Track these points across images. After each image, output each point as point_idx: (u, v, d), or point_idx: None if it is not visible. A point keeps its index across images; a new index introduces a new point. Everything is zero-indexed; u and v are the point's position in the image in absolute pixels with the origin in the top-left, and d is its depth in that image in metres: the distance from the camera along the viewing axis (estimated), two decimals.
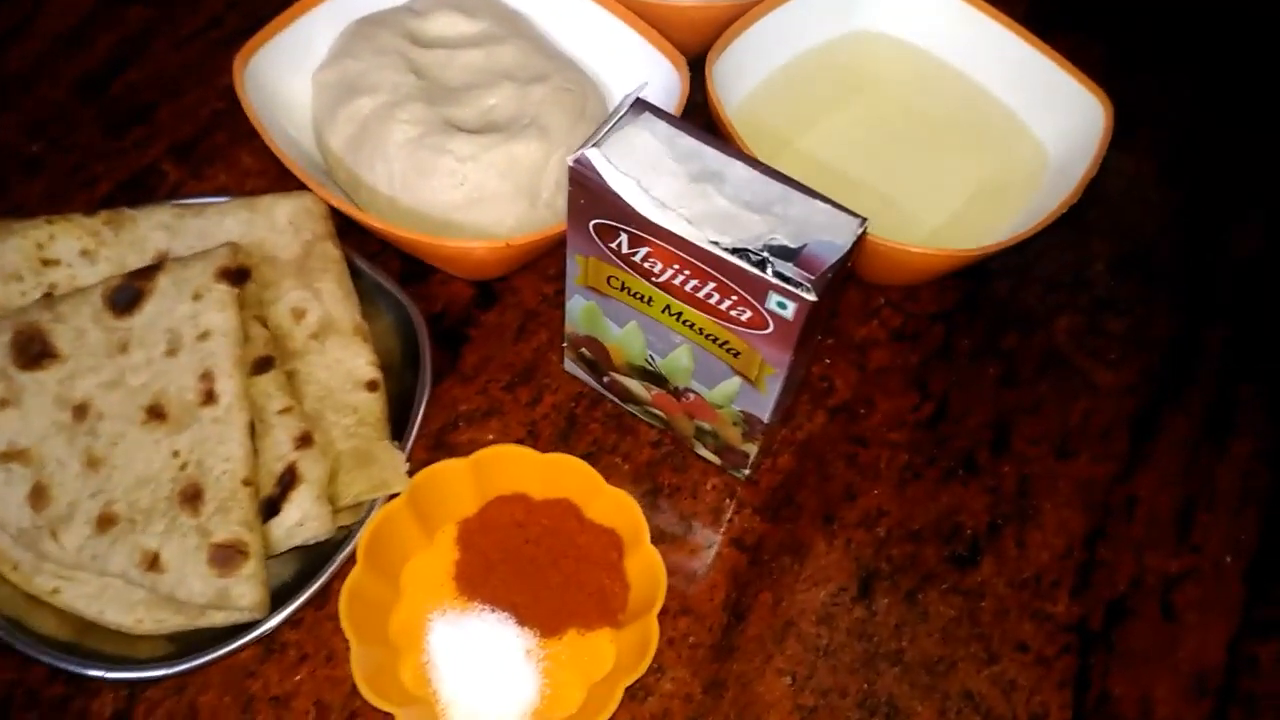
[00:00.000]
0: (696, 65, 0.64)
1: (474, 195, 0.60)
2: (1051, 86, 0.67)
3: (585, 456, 0.59)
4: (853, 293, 0.67)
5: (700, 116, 0.63)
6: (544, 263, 0.66)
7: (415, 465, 0.56)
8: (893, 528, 0.59)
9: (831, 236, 0.46)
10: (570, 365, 0.61)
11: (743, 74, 0.68)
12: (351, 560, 0.52)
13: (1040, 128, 0.69)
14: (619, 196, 0.47)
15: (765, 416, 0.53)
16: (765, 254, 0.46)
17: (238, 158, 0.68)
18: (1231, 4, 0.81)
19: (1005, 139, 0.70)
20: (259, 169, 0.68)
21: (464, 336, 0.63)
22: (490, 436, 0.60)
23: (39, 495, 0.51)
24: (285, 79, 0.64)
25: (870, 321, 0.66)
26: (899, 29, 0.72)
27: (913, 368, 0.65)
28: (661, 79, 0.65)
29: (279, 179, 0.61)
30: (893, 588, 0.57)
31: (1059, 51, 0.68)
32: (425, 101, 0.61)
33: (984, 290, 0.68)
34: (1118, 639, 0.57)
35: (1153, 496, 0.61)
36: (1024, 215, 0.66)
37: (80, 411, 0.53)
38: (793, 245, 0.46)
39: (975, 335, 0.66)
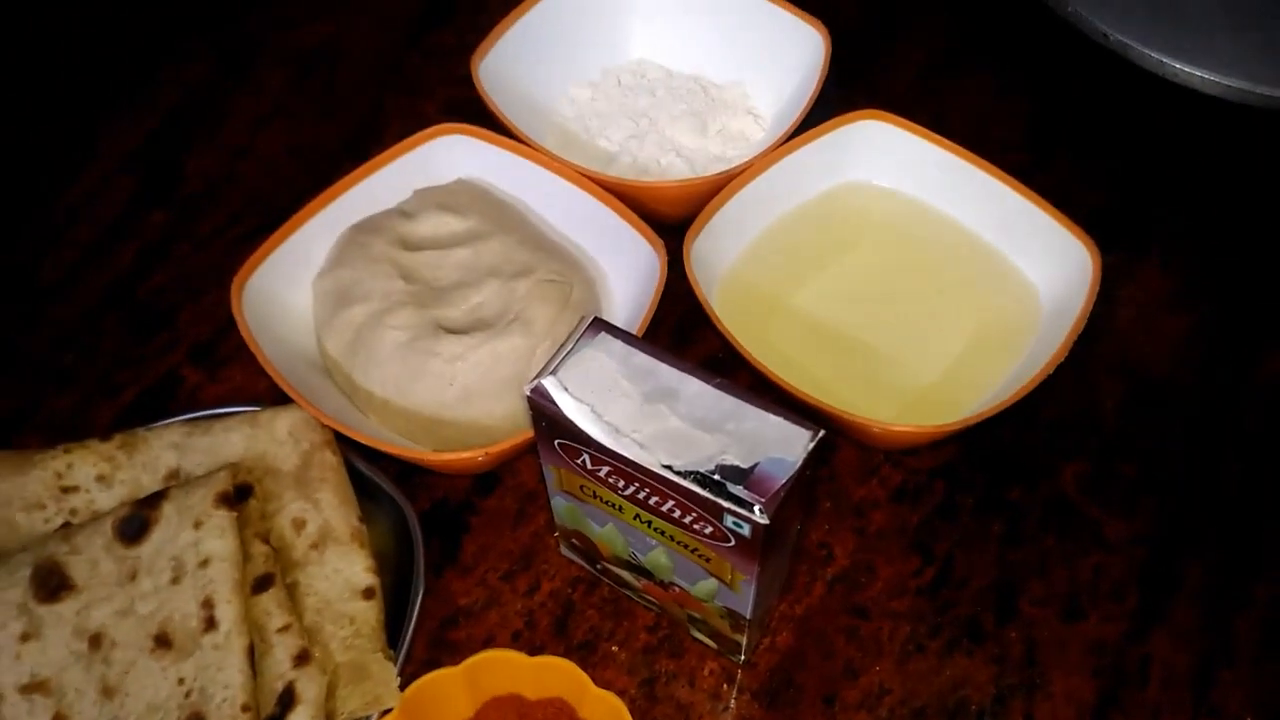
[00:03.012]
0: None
1: (463, 394, 0.62)
2: (1041, 233, 0.67)
3: (582, 646, 0.60)
4: (850, 452, 0.67)
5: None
6: None
7: (415, 666, 0.58)
8: (895, 706, 0.58)
9: (783, 453, 0.47)
10: (566, 551, 0.63)
11: (731, 239, 0.69)
12: None
13: (1032, 272, 0.68)
14: (574, 423, 0.48)
15: (746, 613, 0.53)
16: (717, 475, 0.46)
17: (253, 357, 0.71)
18: (1238, 122, 0.79)
19: (1000, 285, 0.69)
20: None
21: (464, 525, 0.65)
22: (490, 627, 0.61)
23: None
24: (287, 286, 0.67)
25: (869, 480, 0.66)
26: (886, 180, 0.73)
27: (913, 528, 0.64)
28: (643, 257, 0.66)
29: None
30: None
31: (1062, 170, 0.68)
32: (415, 305, 0.63)
33: (986, 439, 0.67)
34: None
35: (1168, 655, 0.60)
36: (1023, 360, 0.66)
37: (95, 641, 0.55)
38: (744, 465, 0.47)
39: (978, 490, 0.65)
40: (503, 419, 0.63)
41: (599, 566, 0.61)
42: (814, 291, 0.70)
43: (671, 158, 0.75)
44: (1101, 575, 0.62)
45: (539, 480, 0.66)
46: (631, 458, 0.48)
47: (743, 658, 0.59)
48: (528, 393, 0.49)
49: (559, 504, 0.57)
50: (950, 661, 0.60)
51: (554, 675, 0.56)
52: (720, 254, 0.69)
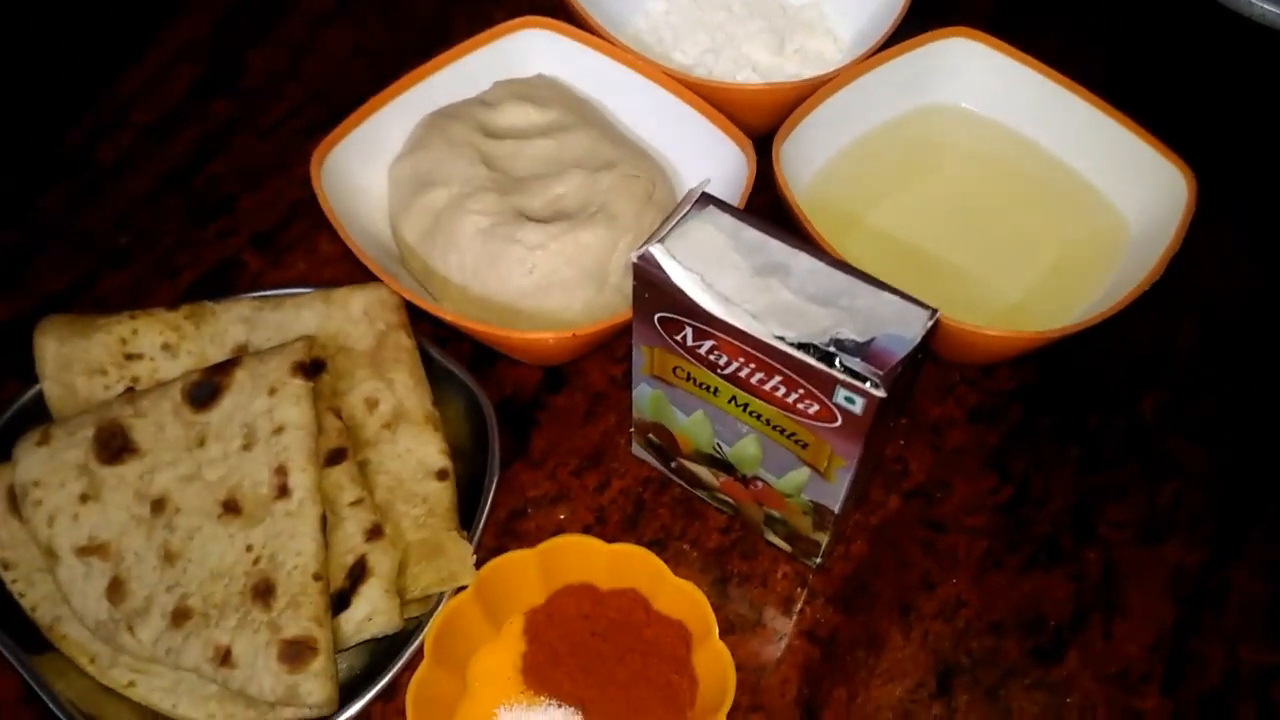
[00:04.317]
0: (767, 142, 0.64)
1: (543, 282, 0.60)
2: (1131, 158, 0.66)
3: (653, 543, 0.59)
4: (928, 370, 0.65)
5: (770, 194, 0.63)
6: (612, 345, 0.66)
7: (484, 553, 0.56)
8: (972, 619, 0.57)
9: (900, 330, 0.46)
10: (638, 450, 0.61)
11: (812, 152, 0.68)
12: (419, 654, 0.52)
13: (1120, 200, 0.67)
14: (683, 292, 0.47)
15: (835, 507, 0.52)
16: (832, 348, 0.45)
17: (316, 245, 0.70)
18: None
19: (1084, 211, 0.68)
20: (337, 255, 0.69)
21: (533, 420, 0.63)
22: (559, 521, 0.59)
23: (117, 589, 0.52)
24: (361, 170, 0.65)
25: (946, 400, 0.65)
26: (971, 101, 0.71)
27: (990, 448, 0.63)
28: (729, 162, 0.65)
29: (356, 266, 0.63)
30: (973, 683, 0.55)
31: (1139, 120, 0.67)
32: (497, 192, 0.62)
33: (1064, 366, 0.66)
34: None
35: (1246, 585, 0.59)
36: (1105, 289, 0.64)
37: (158, 505, 0.54)
38: (860, 339, 0.45)
39: (1055, 414, 0.64)
40: (580, 313, 0.61)
41: (673, 465, 0.59)
42: (895, 209, 0.69)
43: (747, 73, 0.74)
44: (1180, 503, 0.61)
45: (608, 382, 0.65)
46: (742, 328, 0.46)
47: (819, 561, 0.57)
48: (634, 259, 0.48)
49: (642, 392, 0.55)
50: (1028, 578, 0.58)
51: (630, 564, 0.54)
52: (802, 166, 0.67)
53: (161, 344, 0.59)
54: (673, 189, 0.66)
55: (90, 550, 0.53)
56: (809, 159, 0.68)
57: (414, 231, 0.63)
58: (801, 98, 0.67)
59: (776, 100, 0.67)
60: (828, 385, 0.45)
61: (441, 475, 0.57)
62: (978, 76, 0.70)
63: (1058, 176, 0.69)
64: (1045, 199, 0.69)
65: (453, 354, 0.62)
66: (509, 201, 0.62)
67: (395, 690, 0.53)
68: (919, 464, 0.62)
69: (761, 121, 0.68)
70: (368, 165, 0.65)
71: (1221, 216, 0.72)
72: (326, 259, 0.69)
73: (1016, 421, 0.64)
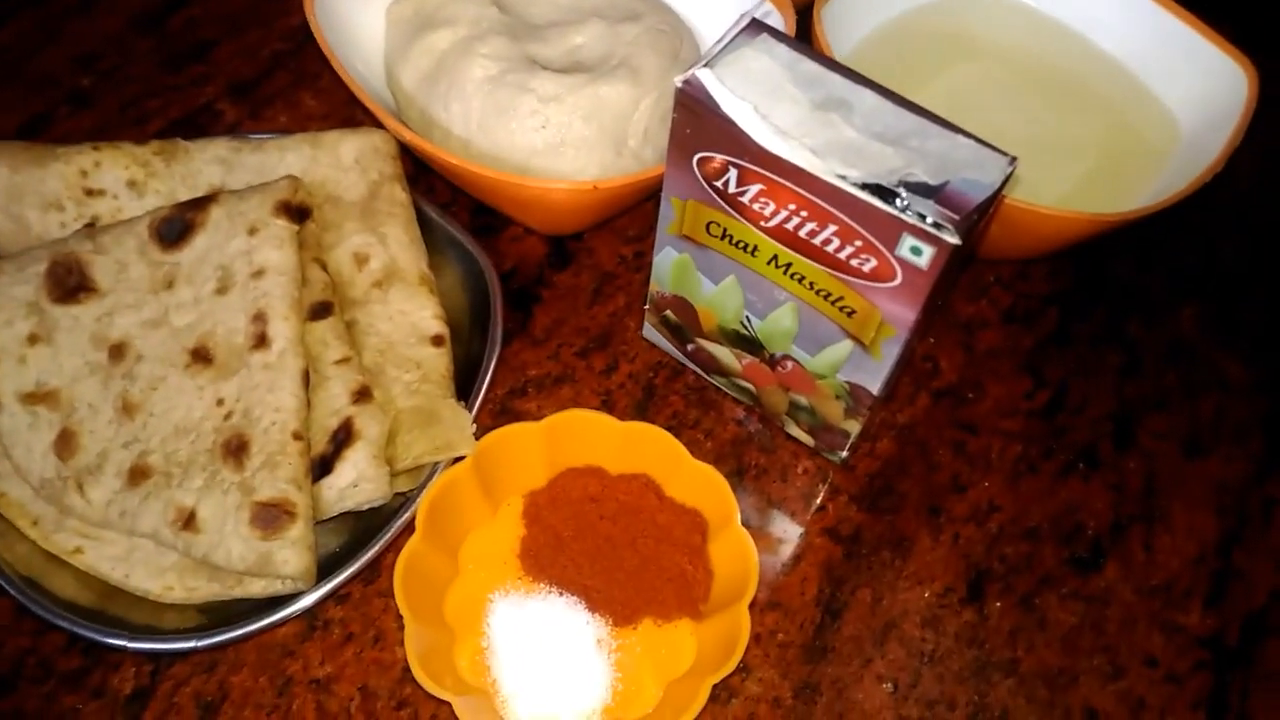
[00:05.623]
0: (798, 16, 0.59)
1: (555, 139, 0.55)
2: (1185, 51, 0.61)
3: (665, 430, 0.54)
4: None
5: None
6: (622, 223, 0.60)
7: (480, 431, 0.51)
8: (1005, 524, 0.53)
9: (977, 175, 0.41)
10: (650, 332, 0.56)
11: (848, 27, 0.63)
12: (408, 530, 0.46)
13: (1171, 97, 0.63)
14: (732, 123, 0.42)
15: (875, 389, 0.47)
16: (900, 190, 0.40)
17: (300, 99, 0.64)
18: None
19: (1130, 108, 0.64)
20: (322, 112, 0.63)
21: (535, 297, 0.58)
22: (562, 403, 0.54)
23: (66, 442, 0.46)
24: (356, 13, 0.59)
25: (979, 300, 0.60)
26: None
27: (1025, 351, 0.59)
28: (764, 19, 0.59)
29: (344, 123, 0.57)
30: (1006, 590, 0.51)
31: (1194, 11, 0.62)
32: (508, 37, 0.56)
33: (1101, 272, 0.62)
34: (1257, 657, 0.51)
35: None
36: (1151, 192, 0.60)
37: (117, 351, 0.48)
38: (933, 182, 0.40)
39: (1093, 320, 0.60)
40: (595, 178, 0.56)
41: (690, 347, 0.54)
42: (929, 96, 0.61)
43: None
44: (1223, 416, 0.57)
45: (617, 262, 0.59)
46: (799, 164, 0.41)
47: (844, 455, 0.53)
48: (679, 85, 0.42)
49: (666, 257, 0.50)
50: (1065, 484, 0.54)
51: (643, 446, 0.49)
52: (835, 42, 0.62)
53: (127, 180, 0.53)
54: (700, 50, 0.61)
55: (37, 398, 0.47)
56: (845, 34, 0.63)
57: (413, 76, 0.56)
58: None
59: None
60: (892, 233, 0.40)
61: (437, 341, 0.51)
62: None
63: (1103, 70, 0.65)
64: (1088, 95, 0.64)
65: (452, 219, 0.56)
66: (522, 48, 0.56)
67: (378, 571, 0.48)
68: (950, 363, 0.58)
69: None
70: (363, 7, 0.59)
71: (1268, 119, 0.68)
72: (311, 114, 0.63)
73: (1053, 326, 0.60)
